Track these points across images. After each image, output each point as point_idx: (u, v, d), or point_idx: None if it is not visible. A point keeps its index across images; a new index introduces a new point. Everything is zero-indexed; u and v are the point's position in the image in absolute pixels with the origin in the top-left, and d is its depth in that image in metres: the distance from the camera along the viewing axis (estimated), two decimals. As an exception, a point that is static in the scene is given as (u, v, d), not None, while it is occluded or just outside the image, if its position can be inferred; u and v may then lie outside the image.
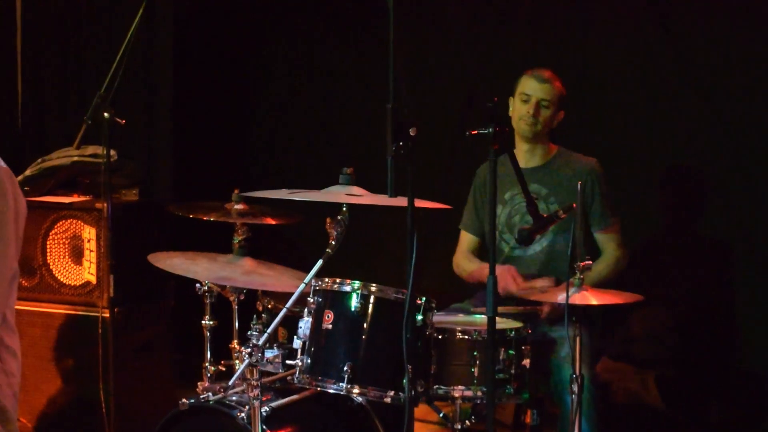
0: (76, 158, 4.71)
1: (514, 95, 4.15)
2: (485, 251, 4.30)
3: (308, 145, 5.69)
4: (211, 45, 5.80)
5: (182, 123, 5.65)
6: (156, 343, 4.73)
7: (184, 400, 3.41)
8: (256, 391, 3.11)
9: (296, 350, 3.28)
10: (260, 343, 3.11)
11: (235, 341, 4.02)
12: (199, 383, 3.91)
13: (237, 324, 4.01)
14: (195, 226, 4.43)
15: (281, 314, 3.20)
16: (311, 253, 3.48)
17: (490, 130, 3.00)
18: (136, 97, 5.37)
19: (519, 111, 4.11)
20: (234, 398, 3.39)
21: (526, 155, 4.13)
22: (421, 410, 3.81)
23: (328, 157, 5.44)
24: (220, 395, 3.41)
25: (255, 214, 3.98)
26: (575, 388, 3.46)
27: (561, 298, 3.40)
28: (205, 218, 3.94)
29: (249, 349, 3.10)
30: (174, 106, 5.58)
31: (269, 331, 3.17)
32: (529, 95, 4.09)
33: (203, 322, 3.99)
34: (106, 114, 3.84)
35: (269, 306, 3.82)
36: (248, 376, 3.13)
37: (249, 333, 3.45)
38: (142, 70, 5.36)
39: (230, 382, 3.15)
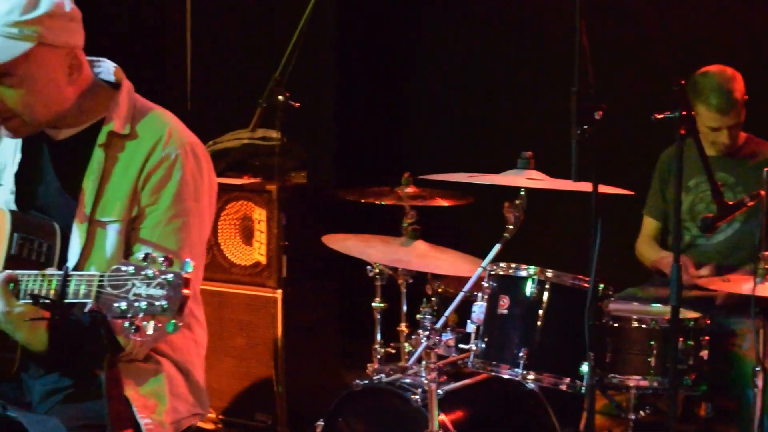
0: (246, 140, 4.78)
1: (694, 104, 3.87)
2: (667, 236, 4.22)
3: (471, 129, 5.54)
4: (375, 26, 5.76)
5: (346, 106, 5.68)
6: (323, 325, 4.77)
7: (357, 381, 3.44)
8: (434, 374, 3.10)
9: (469, 334, 3.28)
10: (438, 326, 3.11)
11: (403, 324, 4.05)
12: (368, 365, 3.94)
13: (405, 307, 4.03)
14: (359, 208, 4.47)
15: (458, 298, 3.19)
16: (478, 237, 3.46)
17: (678, 113, 2.92)
18: (300, 80, 5.43)
19: (707, 136, 3.92)
20: (407, 380, 3.40)
21: (712, 144, 4.00)
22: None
23: (488, 141, 5.35)
24: (394, 377, 3.43)
25: (425, 197, 3.98)
26: (758, 382, 3.34)
27: (746, 288, 3.28)
28: (377, 202, 3.96)
29: (427, 332, 3.10)
30: (338, 89, 5.62)
31: (446, 314, 3.17)
32: (717, 127, 3.92)
33: (373, 304, 4.03)
34: (280, 97, 3.89)
35: (439, 290, 3.83)
36: (425, 359, 3.13)
37: (420, 316, 3.47)
38: (307, 53, 5.41)
39: (409, 364, 3.16)
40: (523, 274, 3.26)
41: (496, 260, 3.29)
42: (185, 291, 2.09)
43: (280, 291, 4.39)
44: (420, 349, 3.10)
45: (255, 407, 4.51)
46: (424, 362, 3.21)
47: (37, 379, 2.60)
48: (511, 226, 3.21)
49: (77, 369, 2.55)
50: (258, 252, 4.54)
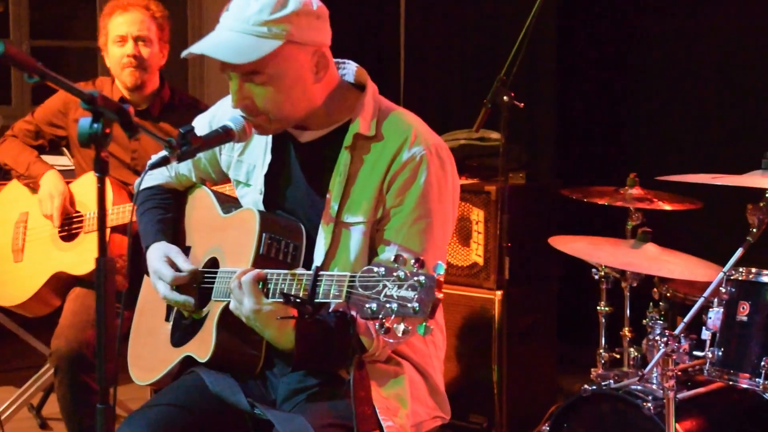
0: (463, 141, 4.77)
1: None
2: None
3: (701, 127, 5.22)
4: (595, 23, 5.61)
5: (565, 106, 5.58)
6: (541, 327, 4.70)
7: (585, 386, 3.37)
8: (671, 382, 3.00)
9: (703, 341, 3.17)
10: (677, 332, 3.01)
11: (626, 328, 3.96)
12: (592, 370, 3.87)
13: (629, 311, 3.94)
14: (577, 209, 4.37)
15: (699, 303, 3.08)
16: (705, 240, 3.31)
17: None
18: (519, 80, 5.37)
19: None
20: (638, 387, 3.31)
21: None
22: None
23: (720, 140, 5.08)
24: (623, 383, 3.35)
25: (651, 199, 3.87)
26: None
27: None
28: (602, 202, 3.87)
29: (664, 338, 3.00)
30: (557, 89, 5.52)
31: (686, 320, 3.06)
32: None
33: (598, 308, 3.96)
34: (505, 98, 3.85)
35: (667, 294, 3.71)
36: (662, 365, 3.04)
37: (648, 321, 3.37)
38: (526, 53, 5.35)
39: (646, 370, 3.07)
40: (765, 279, 3.13)
41: (735, 265, 3.16)
42: (438, 293, 2.08)
43: (500, 292, 4.34)
44: (658, 355, 3.00)
45: (470, 408, 4.48)
46: (656, 369, 3.12)
47: (282, 377, 2.63)
48: (754, 230, 3.07)
49: (323, 369, 2.57)
50: (475, 253, 4.51)
